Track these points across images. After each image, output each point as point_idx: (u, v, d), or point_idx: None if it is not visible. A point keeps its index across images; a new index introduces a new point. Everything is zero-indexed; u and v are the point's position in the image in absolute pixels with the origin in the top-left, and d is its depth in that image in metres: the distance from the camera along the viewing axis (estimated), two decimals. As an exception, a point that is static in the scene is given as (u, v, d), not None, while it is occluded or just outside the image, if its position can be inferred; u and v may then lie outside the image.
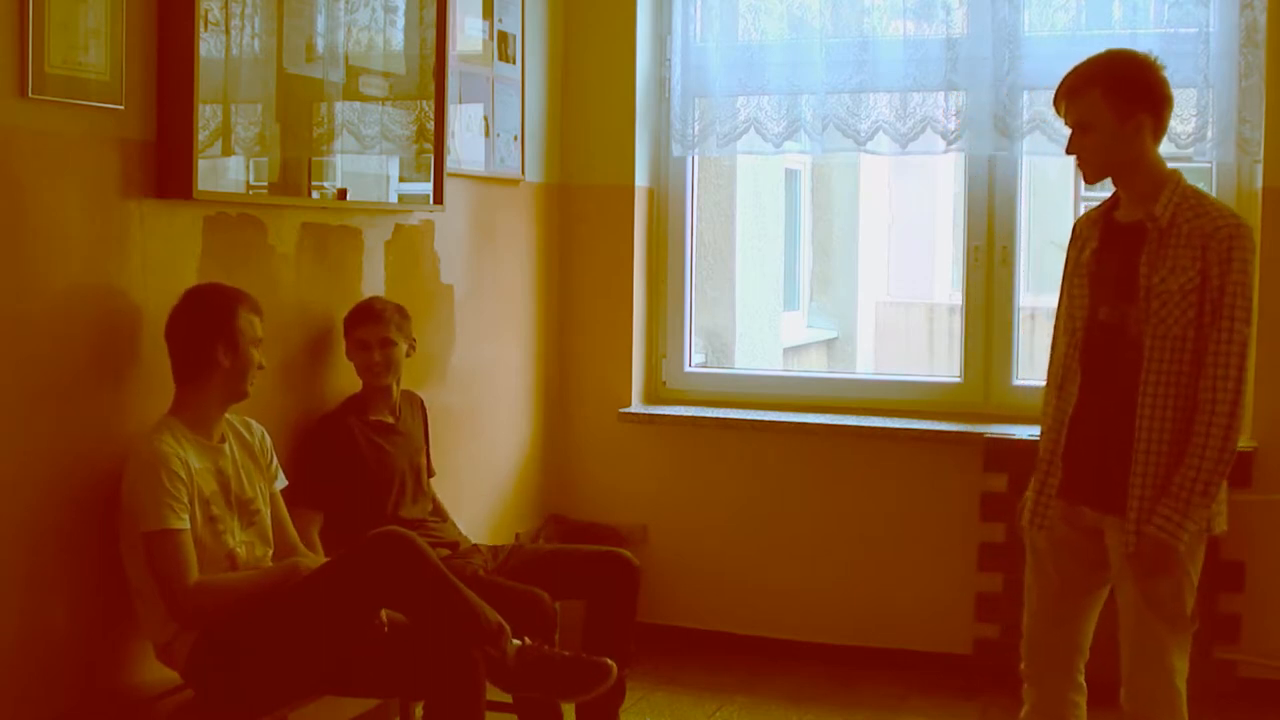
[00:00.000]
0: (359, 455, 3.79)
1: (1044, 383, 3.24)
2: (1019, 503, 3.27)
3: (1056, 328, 3.22)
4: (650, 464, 5.10)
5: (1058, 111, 3.09)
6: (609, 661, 3.45)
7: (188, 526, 3.09)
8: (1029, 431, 4.15)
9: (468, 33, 4.51)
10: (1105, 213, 3.11)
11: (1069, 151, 3.08)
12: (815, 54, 4.80)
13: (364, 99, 3.96)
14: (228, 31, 3.40)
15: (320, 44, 3.79)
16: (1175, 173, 3.02)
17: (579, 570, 4.00)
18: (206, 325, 3.20)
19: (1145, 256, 2.95)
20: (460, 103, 4.43)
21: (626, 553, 4.06)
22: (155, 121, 3.25)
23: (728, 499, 5.01)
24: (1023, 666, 3.25)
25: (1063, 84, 3.05)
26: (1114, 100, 2.96)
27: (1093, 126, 2.99)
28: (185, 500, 3.09)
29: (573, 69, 5.11)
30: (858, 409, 4.93)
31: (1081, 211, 3.48)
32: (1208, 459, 2.88)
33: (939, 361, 9.84)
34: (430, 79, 4.18)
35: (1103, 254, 3.07)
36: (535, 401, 5.08)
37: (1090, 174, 3.08)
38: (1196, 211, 2.94)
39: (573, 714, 3.91)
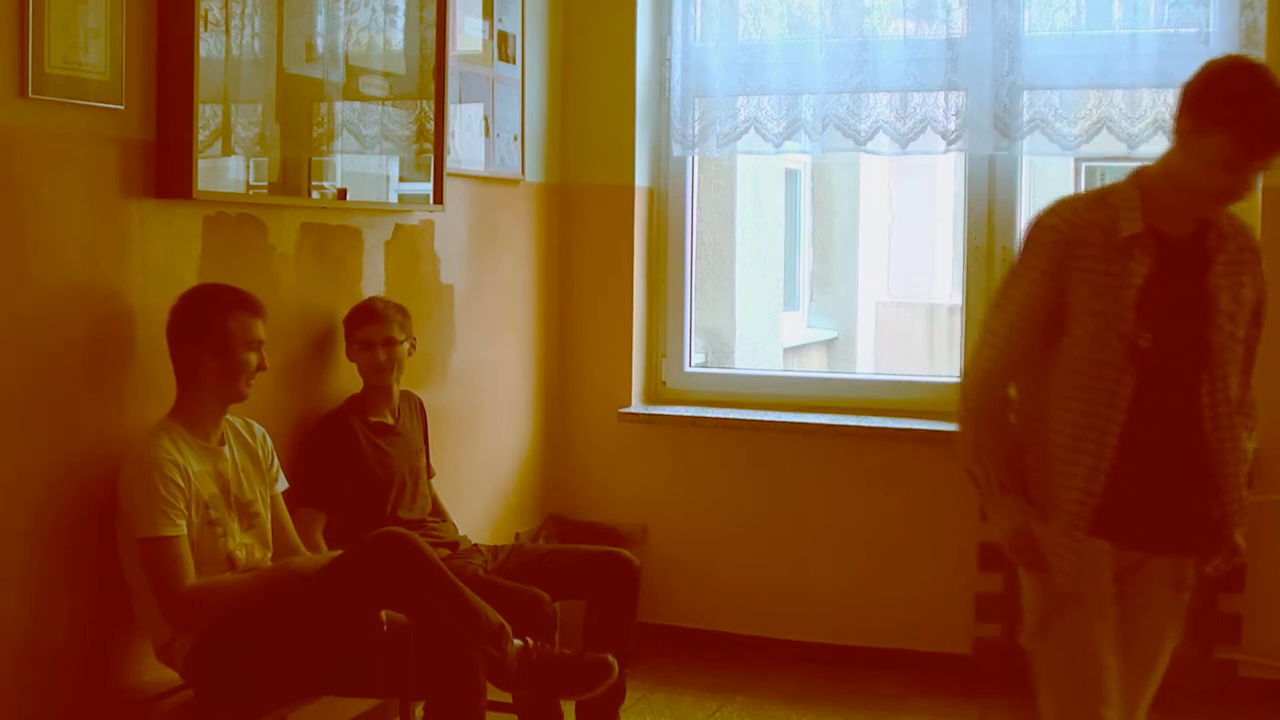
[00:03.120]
0: (360, 455, 3.79)
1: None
2: (1014, 546, 2.79)
3: (1013, 340, 2.81)
4: (650, 464, 5.10)
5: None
6: (610, 659, 3.44)
7: (183, 533, 3.08)
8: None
9: (468, 33, 4.51)
10: (1148, 225, 2.63)
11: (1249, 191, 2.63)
12: (815, 54, 4.80)
13: (364, 99, 3.96)
14: (228, 31, 3.40)
15: (320, 44, 3.79)
16: None
17: (579, 570, 4.00)
18: (192, 328, 3.18)
19: (1222, 279, 2.64)
20: (460, 103, 4.43)
21: (626, 553, 4.06)
22: (155, 121, 3.25)
23: (728, 499, 5.01)
24: None
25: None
26: None
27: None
28: (181, 506, 3.08)
29: (573, 69, 5.11)
30: (858, 409, 4.92)
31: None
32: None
33: (939, 361, 9.84)
34: (430, 79, 4.18)
35: (1162, 274, 2.62)
36: (535, 401, 5.08)
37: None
38: (1236, 225, 2.70)
39: (573, 714, 3.91)
